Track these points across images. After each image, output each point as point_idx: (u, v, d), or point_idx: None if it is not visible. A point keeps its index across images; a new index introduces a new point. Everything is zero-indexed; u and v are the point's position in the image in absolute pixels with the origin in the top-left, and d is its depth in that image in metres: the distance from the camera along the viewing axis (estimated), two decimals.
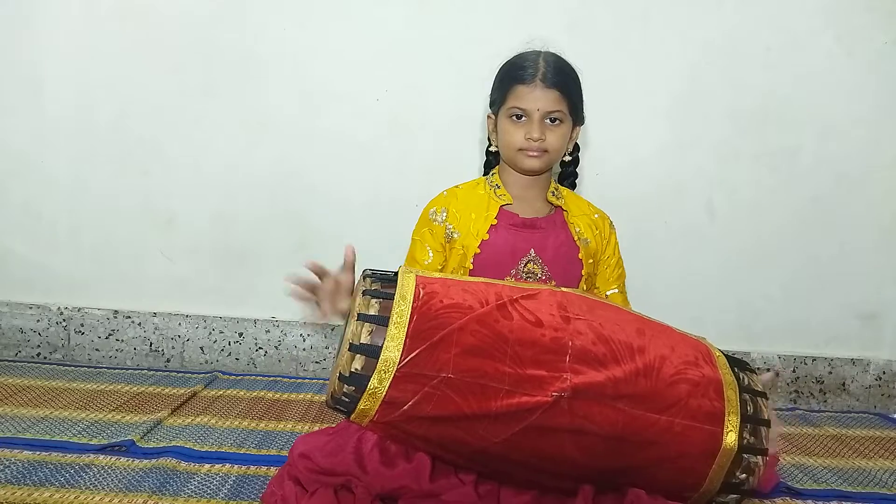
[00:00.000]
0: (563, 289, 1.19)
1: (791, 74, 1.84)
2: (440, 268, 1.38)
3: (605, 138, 1.78)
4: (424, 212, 1.43)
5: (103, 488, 1.14)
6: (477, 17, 1.80)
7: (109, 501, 1.10)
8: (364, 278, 1.13)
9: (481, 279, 1.18)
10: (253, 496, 1.16)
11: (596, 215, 1.46)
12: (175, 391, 1.67)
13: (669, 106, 1.84)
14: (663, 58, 1.82)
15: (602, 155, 1.79)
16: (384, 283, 1.10)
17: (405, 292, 1.06)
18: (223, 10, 1.81)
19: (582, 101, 1.38)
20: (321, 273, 1.19)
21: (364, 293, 1.08)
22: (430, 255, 1.39)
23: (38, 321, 1.90)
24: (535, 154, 1.34)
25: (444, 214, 1.40)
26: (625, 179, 1.84)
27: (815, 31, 1.83)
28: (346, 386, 1.04)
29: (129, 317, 1.90)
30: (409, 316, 1.03)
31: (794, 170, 1.87)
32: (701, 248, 1.89)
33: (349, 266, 1.20)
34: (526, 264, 1.36)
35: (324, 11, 1.81)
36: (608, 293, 1.44)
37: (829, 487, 1.34)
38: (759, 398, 1.12)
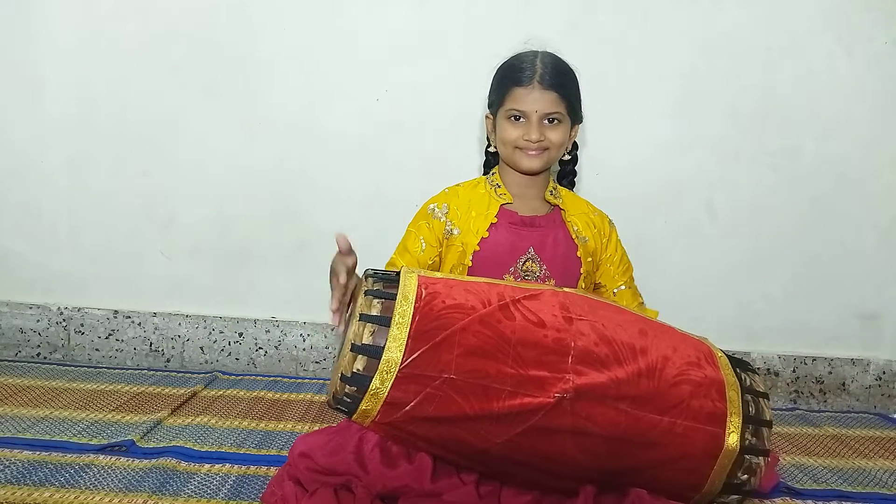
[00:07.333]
0: (566, 289, 1.19)
1: (791, 74, 1.83)
2: (431, 262, 1.38)
3: (605, 138, 1.78)
4: (424, 206, 1.43)
5: (103, 488, 1.14)
6: (477, 17, 1.80)
7: (109, 501, 1.10)
8: (366, 278, 1.13)
9: (483, 279, 1.18)
10: (253, 496, 1.16)
11: (595, 214, 1.46)
12: (175, 391, 1.67)
13: (669, 106, 1.84)
14: (663, 58, 1.82)
15: (602, 155, 1.79)
16: (386, 283, 1.10)
17: (407, 292, 1.06)
18: (223, 9, 1.80)
19: (580, 100, 1.39)
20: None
21: (366, 293, 1.08)
22: (423, 245, 1.38)
23: (38, 321, 1.89)
24: (534, 153, 1.34)
25: (446, 210, 1.40)
26: (625, 179, 1.84)
27: (815, 31, 1.82)
28: (347, 386, 1.04)
29: (129, 317, 1.89)
30: (411, 316, 1.03)
31: (794, 170, 1.87)
32: (701, 247, 1.89)
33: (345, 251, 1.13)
34: (524, 262, 1.36)
35: (324, 11, 1.80)
36: (615, 290, 1.44)
37: (829, 487, 1.34)
38: (760, 399, 1.12)
